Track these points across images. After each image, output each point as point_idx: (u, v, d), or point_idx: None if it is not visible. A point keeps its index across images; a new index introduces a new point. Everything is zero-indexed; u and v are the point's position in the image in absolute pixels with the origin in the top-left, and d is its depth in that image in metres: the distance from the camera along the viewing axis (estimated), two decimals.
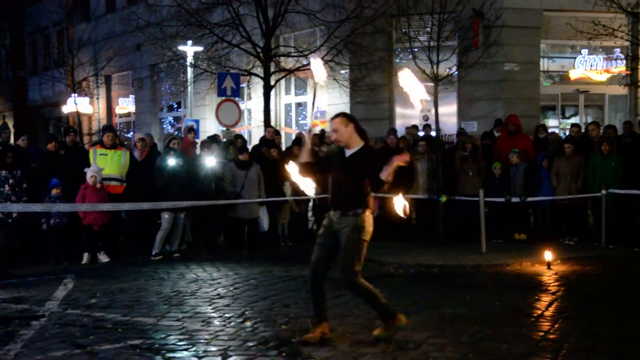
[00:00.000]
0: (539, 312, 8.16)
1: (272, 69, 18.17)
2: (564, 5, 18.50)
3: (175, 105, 26.14)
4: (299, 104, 21.60)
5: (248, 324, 7.72)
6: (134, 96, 28.34)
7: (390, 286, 9.90)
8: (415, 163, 14.49)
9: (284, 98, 21.49)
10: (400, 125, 18.21)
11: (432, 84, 14.76)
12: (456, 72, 16.96)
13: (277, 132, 16.73)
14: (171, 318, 8.02)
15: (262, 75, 18.04)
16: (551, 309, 8.32)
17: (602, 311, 8.00)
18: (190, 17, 18.12)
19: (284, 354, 6.58)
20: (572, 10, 18.28)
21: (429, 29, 15.61)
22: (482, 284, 9.94)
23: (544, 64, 19.30)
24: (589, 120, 18.48)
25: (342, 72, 18.70)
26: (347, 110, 19.31)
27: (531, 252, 11.91)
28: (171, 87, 23.85)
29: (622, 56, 18.98)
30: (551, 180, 13.34)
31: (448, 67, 16.35)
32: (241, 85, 18.40)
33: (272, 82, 18.21)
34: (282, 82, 20.22)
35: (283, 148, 16.71)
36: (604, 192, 12.35)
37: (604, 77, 19.36)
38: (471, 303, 8.61)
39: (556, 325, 7.45)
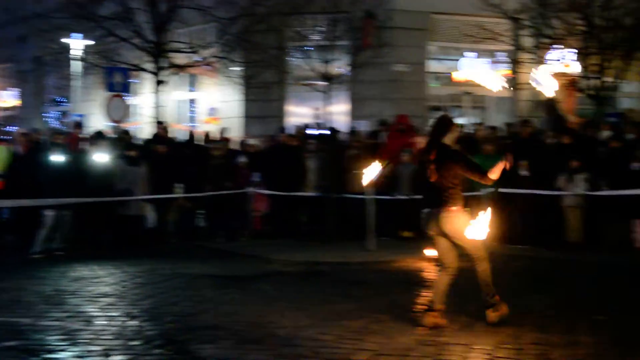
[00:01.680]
0: (424, 307, 8.33)
1: (164, 65, 17.88)
2: (451, 8, 18.98)
3: (61, 100, 25.33)
4: (190, 101, 21.35)
5: (133, 322, 7.56)
6: (17, 89, 27.29)
7: (279, 283, 9.93)
8: (307, 161, 14.57)
9: (174, 94, 21.18)
10: (292, 123, 18.25)
11: (324, 83, 14.86)
12: (348, 72, 17.14)
13: (167, 129, 16.48)
14: (51, 318, 7.75)
15: (153, 70, 17.73)
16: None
17: (480, 305, 8.22)
18: (78, 9, 17.59)
19: (170, 352, 6.48)
20: (459, 14, 18.80)
21: (321, 29, 15.72)
22: (370, 280, 10.08)
23: (432, 66, 19.76)
24: (474, 120, 19.02)
25: (235, 69, 18.59)
26: (240, 108, 19.26)
27: (417, 249, 12.15)
28: (57, 80, 23.10)
29: (505, 59, 19.64)
30: None
31: (340, 66, 16.52)
32: (131, 81, 18.02)
33: (163, 78, 17.92)
34: (173, 78, 19.91)
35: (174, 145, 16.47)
36: (485, 190, 12.71)
37: (488, 79, 19.96)
38: (358, 299, 8.72)
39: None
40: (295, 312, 8.03)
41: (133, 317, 7.79)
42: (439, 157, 7.27)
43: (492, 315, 7.37)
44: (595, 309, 7.92)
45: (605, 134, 13.27)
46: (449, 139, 7.39)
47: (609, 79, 15.32)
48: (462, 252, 7.52)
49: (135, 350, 6.53)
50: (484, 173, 7.26)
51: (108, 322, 7.59)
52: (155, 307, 8.39)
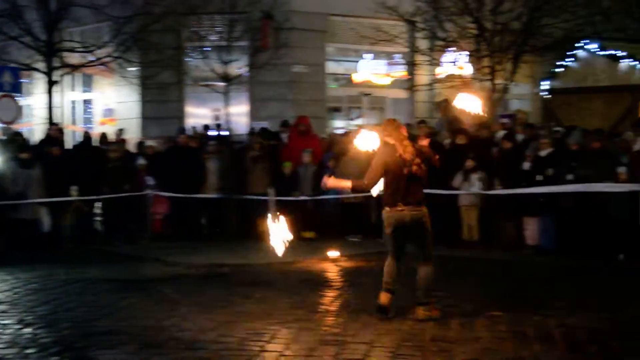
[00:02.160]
0: (325, 307, 8.41)
1: (56, 65, 17.36)
2: (348, 10, 19.17)
3: None
4: (85, 101, 20.80)
5: (27, 330, 7.31)
6: None
7: (180, 286, 9.80)
8: (206, 163, 14.45)
9: (69, 95, 20.58)
10: (190, 124, 18.05)
11: (223, 84, 14.75)
12: (247, 73, 17.08)
13: (61, 130, 16.04)
14: None
15: (44, 70, 17.19)
16: (336, 303, 8.60)
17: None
18: None
19: (67, 359, 6.30)
20: (356, 16, 19.02)
21: (219, 29, 15.61)
22: (272, 281, 10.08)
23: (330, 67, 19.93)
24: (373, 122, 19.29)
25: (131, 69, 18.24)
26: (137, 109, 18.91)
27: (319, 250, 12.25)
28: None
29: (402, 61, 20.02)
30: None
31: (239, 67, 16.44)
32: (22, 81, 17.39)
33: (56, 78, 17.40)
34: (67, 78, 19.36)
35: (69, 146, 16.04)
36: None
37: (386, 81, 20.32)
38: (261, 300, 8.71)
39: (340, 320, 7.71)
40: (197, 315, 7.95)
41: (27, 325, 7.53)
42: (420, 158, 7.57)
43: (421, 312, 7.55)
44: (492, 305, 8.17)
45: (499, 134, 13.70)
46: None
47: (500, 81, 15.82)
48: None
49: (30, 358, 6.33)
50: None
51: (1, 330, 7.31)
52: (51, 313, 8.14)
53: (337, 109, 20.53)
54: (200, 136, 15.84)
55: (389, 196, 7.64)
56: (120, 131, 16.46)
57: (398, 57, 20.21)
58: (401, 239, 7.71)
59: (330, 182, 8.00)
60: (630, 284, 9.58)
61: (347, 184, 7.96)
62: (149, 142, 15.96)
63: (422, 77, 19.21)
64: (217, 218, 14.63)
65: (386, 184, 7.70)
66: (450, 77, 17.95)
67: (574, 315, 7.72)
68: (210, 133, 16.51)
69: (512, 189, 12.11)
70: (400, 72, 20.35)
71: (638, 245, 10.63)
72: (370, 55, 19.95)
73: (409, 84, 19.75)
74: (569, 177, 11.62)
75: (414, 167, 7.52)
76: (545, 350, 6.48)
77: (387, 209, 7.66)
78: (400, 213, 7.57)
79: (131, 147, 15.56)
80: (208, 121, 17.87)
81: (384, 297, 7.74)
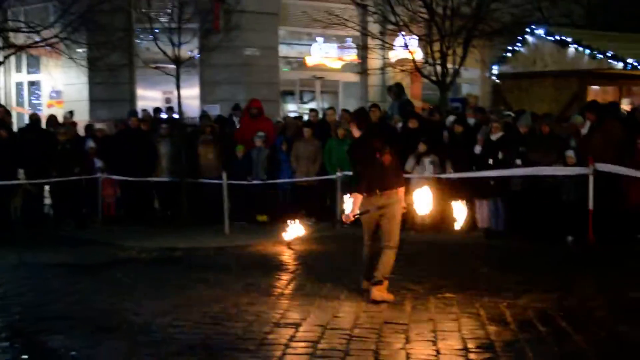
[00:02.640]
0: (280, 290, 8.42)
1: (0, 45, 16.94)
2: None
3: None
4: (31, 83, 20.38)
5: None
6: None
7: (133, 270, 9.72)
8: (158, 146, 14.31)
9: (14, 76, 20.14)
10: (141, 106, 17.83)
11: (174, 66, 14.57)
12: (198, 55, 16.91)
13: (8, 112, 15.68)
14: None
15: None
16: (290, 287, 8.62)
17: (337, 287, 8.41)
18: None
19: (16, 344, 6.21)
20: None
21: (169, 10, 15.38)
22: (226, 265, 10.05)
23: (283, 50, 19.86)
24: (326, 105, 19.32)
25: (79, 50, 17.90)
26: (86, 91, 18.60)
27: (272, 233, 12.24)
28: None
29: (354, 45, 20.04)
30: (291, 162, 13.79)
31: (190, 49, 16.25)
32: None
33: (0, 59, 16.99)
34: (12, 59, 18.92)
35: (15, 129, 15.69)
36: (339, 174, 12.97)
37: (338, 64, 20.33)
38: (215, 284, 8.68)
39: (295, 303, 7.73)
40: (150, 299, 7.91)
41: None
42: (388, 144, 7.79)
43: (377, 292, 7.63)
44: (445, 287, 8.28)
45: (450, 118, 13.82)
46: None
47: (451, 66, 15.94)
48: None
49: None
50: None
51: None
52: (1, 298, 8.02)
53: (289, 93, 20.48)
54: (151, 119, 15.64)
55: (366, 184, 7.76)
56: (70, 114, 16.16)
57: (350, 41, 20.22)
58: (375, 224, 7.89)
59: (351, 215, 7.94)
60: (578, 266, 9.78)
61: (357, 200, 7.86)
62: (99, 125, 15.72)
63: (374, 61, 19.26)
64: (169, 201, 14.51)
65: (362, 173, 7.84)
66: (402, 61, 18.03)
67: (525, 296, 7.87)
68: (162, 116, 16.32)
69: (463, 173, 12.24)
70: (353, 55, 20.38)
71: (586, 228, 10.85)
72: (322, 39, 19.92)
73: (361, 68, 19.79)
74: (518, 161, 11.78)
75: (386, 156, 7.71)
76: (498, 330, 6.60)
77: (364, 195, 7.78)
78: (383, 197, 7.75)
79: (80, 130, 15.30)
80: (159, 104, 17.66)
81: (365, 284, 7.96)
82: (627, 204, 10.97)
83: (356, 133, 8.04)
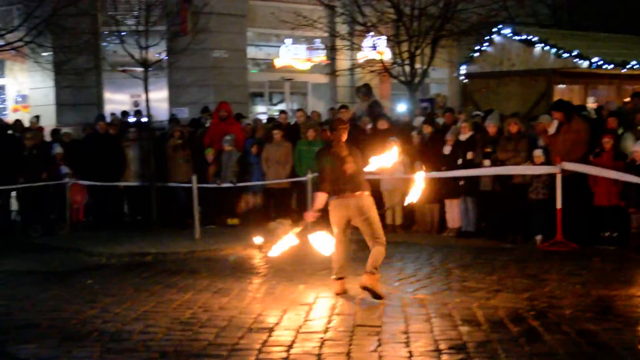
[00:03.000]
0: (251, 294, 8.39)
1: None
2: None
3: None
4: None
5: None
6: None
7: (103, 276, 9.63)
8: (127, 150, 14.18)
9: None
10: (109, 110, 17.68)
11: (141, 70, 14.46)
12: (166, 58, 16.80)
13: None
14: None
15: None
16: (262, 290, 8.59)
17: (310, 290, 8.41)
18: None
19: None
20: (276, 0, 18.95)
21: (136, 13, 15.25)
22: (196, 269, 9.98)
23: (252, 52, 19.80)
24: (295, 107, 19.31)
25: (45, 54, 17.69)
26: (52, 95, 18.40)
27: (243, 236, 12.19)
28: None
29: (322, 46, 20.05)
30: (261, 165, 13.73)
31: (157, 52, 16.14)
32: None
33: None
34: None
35: None
36: (309, 175, 12.95)
37: (307, 66, 20.33)
38: (186, 289, 8.62)
39: (267, 307, 7.70)
40: (120, 306, 7.84)
41: None
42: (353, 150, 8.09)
43: (367, 279, 7.83)
44: (417, 288, 8.29)
45: (419, 119, 13.87)
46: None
47: (419, 66, 16.00)
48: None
49: None
50: None
51: None
52: None
53: (259, 94, 20.44)
54: (120, 123, 15.50)
55: (333, 186, 7.96)
56: (36, 118, 15.97)
57: (318, 42, 20.23)
58: (346, 226, 8.08)
59: (310, 215, 8.20)
60: (547, 264, 9.86)
61: (319, 202, 8.12)
62: (66, 130, 15.55)
63: (343, 62, 19.27)
64: (139, 206, 14.38)
65: (328, 176, 8.06)
66: (370, 62, 18.07)
67: (496, 296, 7.92)
68: (130, 120, 16.19)
69: (433, 173, 12.28)
70: (321, 57, 20.40)
71: (554, 227, 10.94)
72: (291, 40, 19.91)
73: (330, 69, 19.80)
74: (487, 162, 11.84)
75: (349, 165, 7.94)
76: (470, 331, 6.63)
77: (332, 197, 7.99)
78: (355, 200, 7.95)
79: (47, 134, 15.12)
80: (127, 107, 17.53)
81: (336, 286, 8.11)
82: (595, 202, 11.08)
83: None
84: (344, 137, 8.12)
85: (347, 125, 8.30)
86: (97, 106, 18.26)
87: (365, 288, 7.79)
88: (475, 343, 6.24)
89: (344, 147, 8.04)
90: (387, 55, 17.06)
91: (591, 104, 15.33)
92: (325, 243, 8.25)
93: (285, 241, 8.36)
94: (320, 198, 8.07)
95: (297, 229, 8.37)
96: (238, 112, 16.09)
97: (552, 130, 11.58)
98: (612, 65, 14.58)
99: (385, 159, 8.30)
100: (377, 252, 7.95)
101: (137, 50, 14.37)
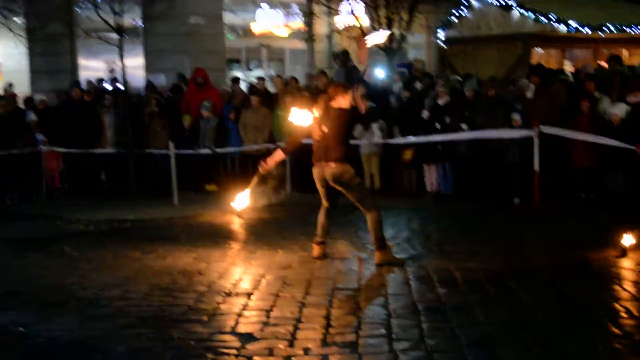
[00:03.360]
0: (231, 260, 8.37)
1: None
2: None
3: None
4: None
5: None
6: None
7: (82, 244, 9.56)
8: (102, 117, 14.05)
9: None
10: (84, 77, 17.49)
11: (117, 36, 14.26)
12: (141, 24, 16.61)
13: None
14: None
15: None
16: (241, 256, 8.58)
17: (288, 255, 8.42)
18: None
19: None
20: None
21: None
22: (175, 235, 9.94)
23: (228, 18, 19.62)
24: (273, 73, 19.20)
25: (17, 20, 17.42)
26: (25, 62, 18.15)
27: (222, 203, 12.16)
28: None
29: (299, 12, 19.91)
30: (239, 131, 13.66)
31: (132, 18, 15.94)
32: None
33: None
34: None
35: None
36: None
37: (284, 32, 20.18)
38: (165, 255, 8.60)
39: (247, 272, 7.71)
40: (99, 272, 7.82)
41: None
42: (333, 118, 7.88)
43: (378, 256, 7.83)
44: (395, 251, 8.31)
45: (397, 84, 13.84)
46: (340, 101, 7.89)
47: (397, 31, 15.94)
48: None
49: None
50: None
51: None
52: None
53: (236, 61, 20.30)
54: (95, 90, 15.33)
55: (313, 154, 8.02)
56: (10, 86, 15.77)
57: (295, 7, 20.08)
58: (328, 192, 8.05)
59: (268, 164, 8.28)
60: (524, 227, 9.93)
61: (275, 156, 8.31)
62: (39, 97, 15.37)
63: (320, 27, 19.19)
64: (116, 173, 14.28)
65: (293, 138, 8.28)
66: (348, 28, 17.98)
67: (474, 258, 7.98)
68: (105, 86, 16.02)
69: (411, 138, 12.29)
70: (299, 23, 20.25)
71: (532, 189, 11.01)
72: (267, 6, 19.74)
73: (307, 35, 19.69)
74: (464, 126, 11.87)
75: (323, 130, 7.85)
76: (448, 292, 6.68)
77: (314, 164, 8.02)
78: (321, 169, 7.93)
79: (21, 102, 14.95)
80: (102, 74, 17.34)
81: (315, 250, 8.14)
82: (572, 165, 11.16)
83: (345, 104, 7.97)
84: (327, 103, 7.98)
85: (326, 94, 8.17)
86: (72, 73, 18.08)
87: (380, 265, 7.74)
88: (453, 304, 6.30)
89: (322, 114, 7.95)
90: (364, 20, 16.96)
91: (568, 67, 15.37)
92: (241, 199, 8.68)
93: (245, 194, 8.62)
94: (278, 154, 8.28)
95: (255, 182, 8.56)
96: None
97: (529, 94, 11.61)
98: (589, 29, 14.60)
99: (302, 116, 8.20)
100: (370, 222, 7.88)
101: (112, 16, 14.16)
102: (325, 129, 7.86)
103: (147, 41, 18.13)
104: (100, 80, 16.39)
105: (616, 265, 7.51)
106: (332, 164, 7.83)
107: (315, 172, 8.00)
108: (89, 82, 15.94)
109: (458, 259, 7.93)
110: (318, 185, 8.07)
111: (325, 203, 8.18)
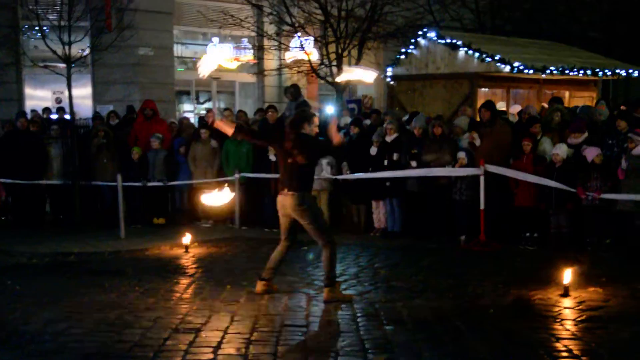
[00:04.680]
0: (178, 295, 8.32)
1: None
2: None
3: None
4: None
5: None
6: None
7: (24, 277, 9.38)
8: (49, 148, 13.86)
9: None
10: (30, 107, 17.26)
11: (64, 66, 14.15)
12: (90, 54, 16.49)
13: None
14: None
15: None
16: (189, 291, 8.52)
17: (237, 291, 8.39)
18: None
19: None
20: None
21: (58, 8, 14.92)
22: (122, 269, 9.80)
23: (178, 50, 19.63)
24: (222, 106, 19.22)
25: None
26: None
27: (170, 236, 12.08)
28: None
29: (250, 46, 20.03)
30: (189, 165, 13.59)
31: (81, 48, 15.83)
32: None
33: None
34: None
35: None
36: (237, 175, 12.91)
37: (234, 65, 20.23)
38: (110, 290, 8.48)
39: (194, 307, 7.65)
40: (42, 307, 7.67)
41: None
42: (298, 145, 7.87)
43: (326, 294, 7.85)
44: (344, 288, 8.35)
45: (346, 120, 13.97)
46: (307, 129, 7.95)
47: (347, 67, 16.12)
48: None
49: None
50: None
51: None
52: None
53: (185, 93, 20.28)
54: (41, 120, 15.13)
55: (279, 181, 8.16)
56: None
57: (246, 42, 20.20)
58: (290, 224, 8.07)
59: (218, 123, 8.64)
60: (471, 265, 10.06)
61: (221, 125, 8.54)
62: None
63: (271, 61, 19.31)
64: (61, 205, 14.06)
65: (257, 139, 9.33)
66: (298, 62, 18.12)
67: (420, 296, 8.06)
68: (52, 117, 15.83)
69: (360, 174, 12.40)
70: (249, 56, 20.36)
71: (478, 227, 11.17)
72: (218, 39, 19.81)
73: (258, 69, 19.80)
74: (413, 163, 12.01)
75: (294, 158, 7.85)
76: (396, 330, 6.73)
77: (279, 192, 8.07)
78: (283, 198, 7.96)
79: None
80: (49, 104, 17.15)
81: (258, 286, 8.14)
82: (516, 203, 11.37)
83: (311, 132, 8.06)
84: (295, 132, 7.95)
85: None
86: (18, 102, 17.82)
87: (328, 302, 7.74)
88: (400, 343, 6.35)
89: (292, 142, 7.90)
90: (314, 55, 17.15)
91: (512, 108, 15.69)
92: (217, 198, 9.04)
93: (216, 195, 9.07)
94: (227, 126, 8.44)
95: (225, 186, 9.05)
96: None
97: (477, 142, 11.78)
98: (532, 70, 14.95)
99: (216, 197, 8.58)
100: (324, 257, 7.94)
101: (60, 46, 14.06)
102: (289, 159, 7.90)
103: (95, 71, 18.03)
104: (47, 110, 16.19)
105: (558, 305, 7.66)
106: (296, 193, 7.86)
107: (279, 200, 8.02)
108: (34, 112, 15.73)
109: (405, 297, 8.00)
110: (280, 214, 8.08)
111: (284, 240, 8.16)
